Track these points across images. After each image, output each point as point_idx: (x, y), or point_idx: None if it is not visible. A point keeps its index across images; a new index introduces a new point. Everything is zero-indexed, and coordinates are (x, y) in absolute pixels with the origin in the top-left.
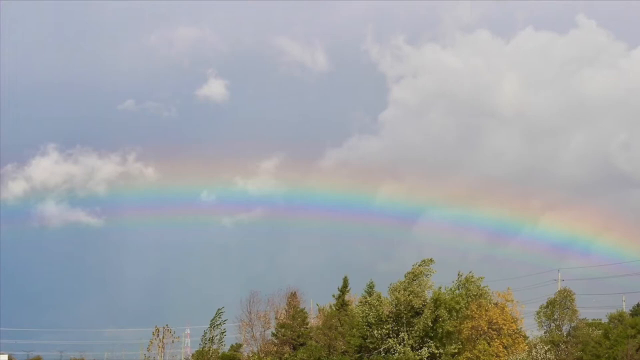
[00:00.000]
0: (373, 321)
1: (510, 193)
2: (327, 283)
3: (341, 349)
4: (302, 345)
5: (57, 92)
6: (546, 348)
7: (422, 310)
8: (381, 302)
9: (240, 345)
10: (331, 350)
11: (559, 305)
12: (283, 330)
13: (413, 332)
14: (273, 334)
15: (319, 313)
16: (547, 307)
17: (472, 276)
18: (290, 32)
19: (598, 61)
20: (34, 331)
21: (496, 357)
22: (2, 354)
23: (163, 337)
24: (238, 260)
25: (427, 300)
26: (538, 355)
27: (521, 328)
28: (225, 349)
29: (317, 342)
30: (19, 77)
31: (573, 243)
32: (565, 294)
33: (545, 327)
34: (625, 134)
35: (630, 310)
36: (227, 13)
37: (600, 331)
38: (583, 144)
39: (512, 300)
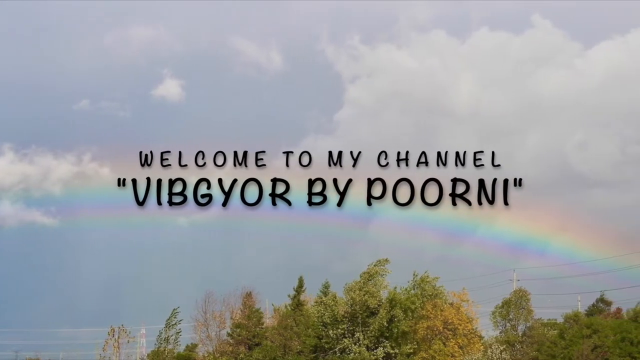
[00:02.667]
0: (328, 321)
1: (466, 192)
2: (283, 283)
3: (297, 348)
4: (257, 345)
5: (11, 92)
6: (501, 348)
7: (378, 310)
8: (336, 302)
9: (195, 345)
10: (287, 350)
11: (514, 305)
12: (238, 330)
13: (368, 332)
14: (228, 334)
15: (275, 313)
16: (502, 307)
17: (428, 276)
18: (245, 32)
19: (554, 61)
20: None
21: (452, 357)
22: None
23: (118, 337)
24: (193, 260)
25: (383, 300)
26: (493, 355)
27: (477, 328)
28: (181, 349)
29: (272, 342)
30: None
31: (528, 243)
32: (521, 294)
33: (500, 327)
34: (581, 134)
35: (586, 310)
36: (182, 13)
37: (555, 331)
38: (539, 144)
39: (468, 300)
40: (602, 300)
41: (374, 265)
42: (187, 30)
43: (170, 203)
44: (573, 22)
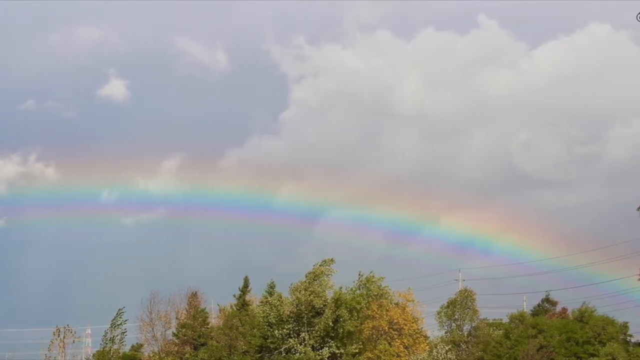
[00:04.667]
0: (274, 321)
1: (411, 193)
2: (228, 283)
3: (242, 349)
4: (203, 345)
5: None
6: (447, 348)
7: (323, 310)
8: (282, 302)
9: (141, 345)
10: (232, 350)
11: (459, 305)
12: (184, 330)
13: (314, 332)
14: (174, 334)
15: (220, 313)
16: (447, 307)
17: (373, 276)
18: (191, 32)
19: (499, 61)
20: None
21: (397, 357)
22: None
23: (64, 337)
24: (139, 260)
25: (328, 300)
26: (439, 355)
27: (422, 328)
28: (126, 349)
29: (218, 342)
30: None
31: (474, 243)
32: (466, 293)
33: (446, 327)
34: (526, 135)
35: (531, 310)
36: (128, 13)
37: (501, 331)
38: (484, 144)
39: (413, 300)
40: (547, 300)
41: (320, 265)
42: (133, 30)
43: (116, 203)
44: (519, 22)
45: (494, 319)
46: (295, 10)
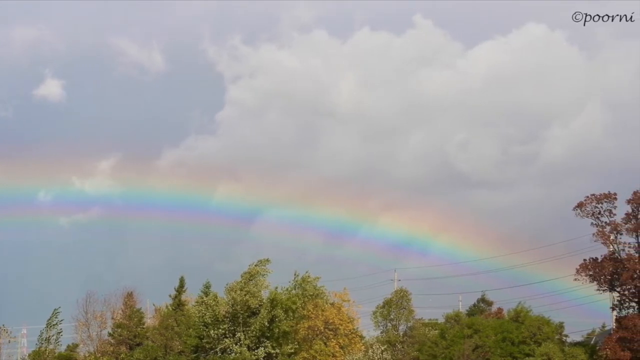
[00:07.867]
0: (209, 321)
1: (348, 193)
2: (164, 283)
3: (178, 349)
4: (138, 345)
5: None
6: (382, 348)
7: (259, 310)
8: (218, 302)
9: (76, 345)
10: (168, 350)
11: (395, 305)
12: (119, 330)
13: (249, 332)
14: (109, 334)
15: (156, 313)
16: (383, 307)
17: (309, 276)
18: (127, 33)
19: (435, 61)
20: None
21: (332, 357)
22: None
23: None
24: (75, 260)
25: (264, 300)
26: (374, 355)
27: (358, 328)
28: (62, 349)
29: (153, 342)
30: None
31: (410, 243)
32: (402, 293)
33: (381, 327)
34: (463, 134)
35: (467, 310)
36: (64, 13)
37: (436, 331)
38: (421, 144)
39: (349, 300)
40: (483, 300)
41: (255, 265)
42: (69, 30)
43: (52, 203)
44: (454, 22)
45: (430, 319)
46: (231, 10)
